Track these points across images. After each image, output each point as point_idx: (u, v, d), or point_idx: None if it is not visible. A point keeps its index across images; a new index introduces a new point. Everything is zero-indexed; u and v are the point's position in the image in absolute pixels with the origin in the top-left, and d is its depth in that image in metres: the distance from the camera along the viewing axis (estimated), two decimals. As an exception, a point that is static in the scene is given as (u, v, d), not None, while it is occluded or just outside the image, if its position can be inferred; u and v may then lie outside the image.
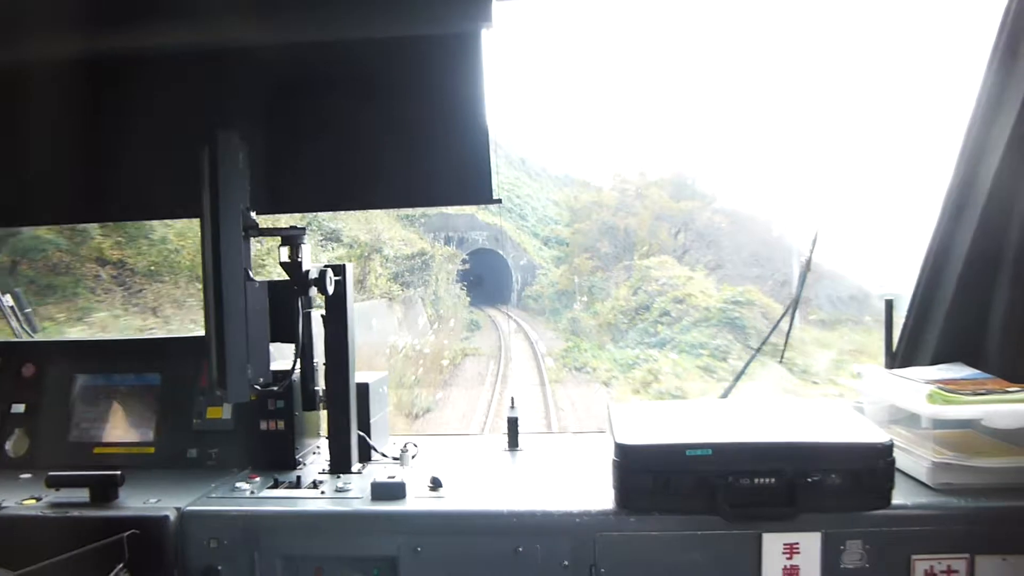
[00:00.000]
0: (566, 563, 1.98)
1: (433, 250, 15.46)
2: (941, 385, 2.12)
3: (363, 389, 2.45)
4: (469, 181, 2.26)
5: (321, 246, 12.13)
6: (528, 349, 13.39)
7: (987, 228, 2.40)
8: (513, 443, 2.57)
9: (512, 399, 2.71)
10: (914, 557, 1.95)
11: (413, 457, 2.43)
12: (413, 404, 9.87)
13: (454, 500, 2.10)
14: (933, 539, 1.95)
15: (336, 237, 12.80)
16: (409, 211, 14.67)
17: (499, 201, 2.25)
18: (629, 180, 21.62)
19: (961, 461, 2.05)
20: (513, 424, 2.57)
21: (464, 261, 17.67)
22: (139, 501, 2.12)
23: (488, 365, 12.17)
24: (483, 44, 2.22)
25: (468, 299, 16.22)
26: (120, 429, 2.52)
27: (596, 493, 2.06)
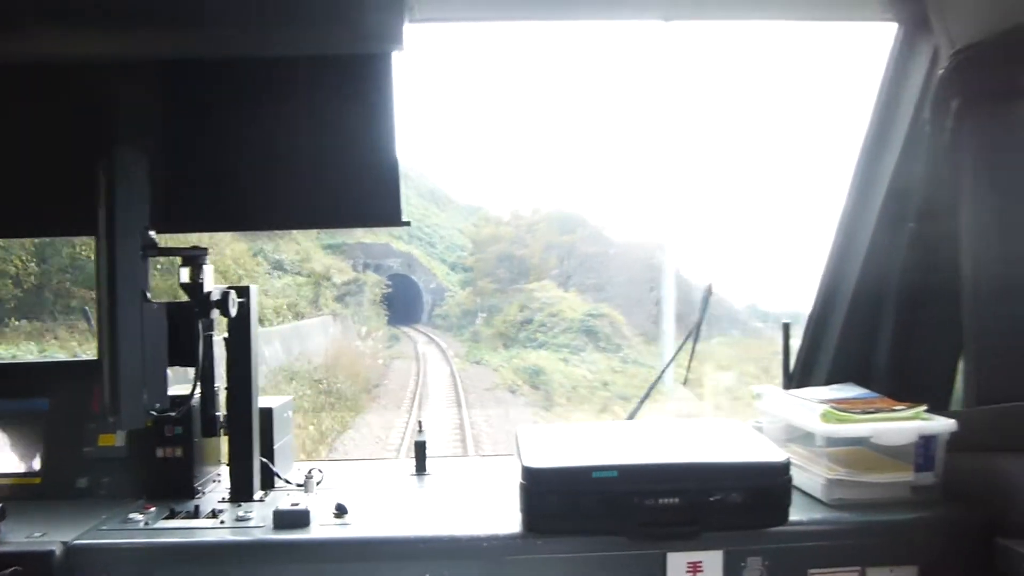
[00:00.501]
0: None
1: (364, 277, 19.14)
2: (834, 404, 2.20)
3: (266, 414, 2.38)
4: (377, 203, 2.24)
5: (268, 274, 14.74)
6: (439, 352, 18.08)
7: (874, 258, 2.54)
8: (421, 467, 2.54)
9: (420, 423, 2.69)
10: (811, 571, 2.01)
11: (318, 483, 2.37)
12: (368, 380, 13.93)
13: (360, 527, 2.05)
14: (828, 553, 2.03)
15: (281, 267, 15.79)
16: (331, 240, 17.02)
17: (407, 224, 2.23)
18: (523, 216, 26.00)
19: (852, 477, 2.14)
20: (421, 448, 2.55)
21: (387, 285, 20.25)
22: (22, 535, 1.99)
23: (411, 365, 16.49)
24: (393, 67, 2.21)
25: (386, 319, 18.88)
26: (2, 458, 2.37)
27: (504, 516, 2.06)
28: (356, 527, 2.05)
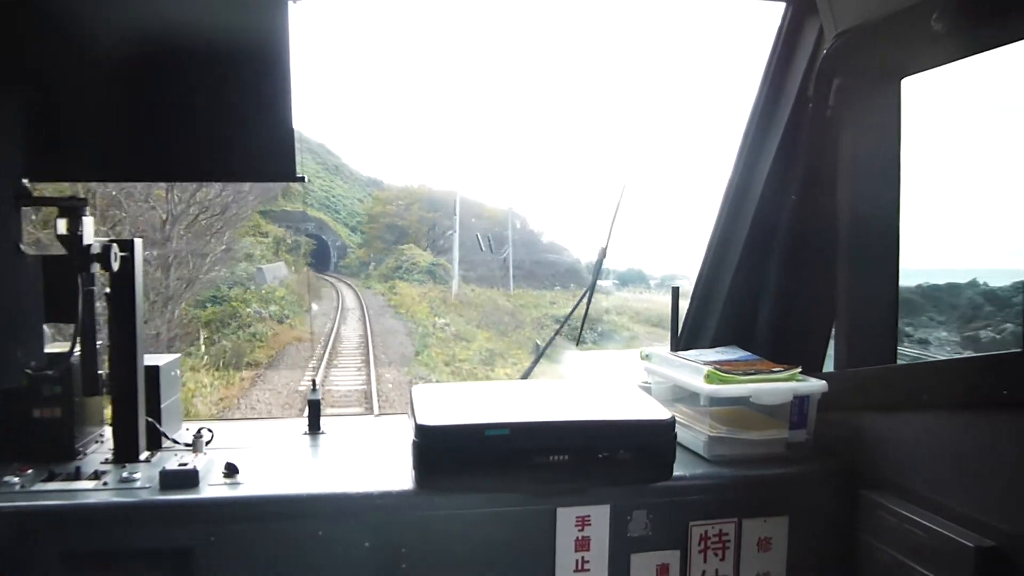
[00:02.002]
0: (367, 544, 1.97)
1: (301, 238, 25.47)
2: (717, 366, 2.31)
3: (152, 372, 2.30)
4: (271, 158, 2.17)
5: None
6: (345, 286, 26.24)
7: (758, 228, 2.66)
8: (315, 426, 2.52)
9: (313, 382, 2.66)
10: (691, 523, 2.12)
11: (208, 443, 2.31)
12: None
13: (251, 486, 2.02)
14: (708, 506, 2.14)
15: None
16: (261, 207, 19.53)
17: (302, 179, 2.17)
18: (402, 198, 35.35)
19: (732, 435, 2.26)
20: (315, 407, 2.52)
21: (313, 244, 28.26)
22: None
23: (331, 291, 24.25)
24: (289, 17, 2.14)
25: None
26: None
27: (398, 474, 2.07)
28: (247, 487, 2.02)
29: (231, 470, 2.07)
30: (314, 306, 20.02)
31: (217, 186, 13.05)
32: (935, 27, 1.87)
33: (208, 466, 2.09)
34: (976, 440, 1.88)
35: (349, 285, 27.05)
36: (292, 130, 2.14)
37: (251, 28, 2.12)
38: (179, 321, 12.62)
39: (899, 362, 2.47)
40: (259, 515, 1.97)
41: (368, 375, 12.77)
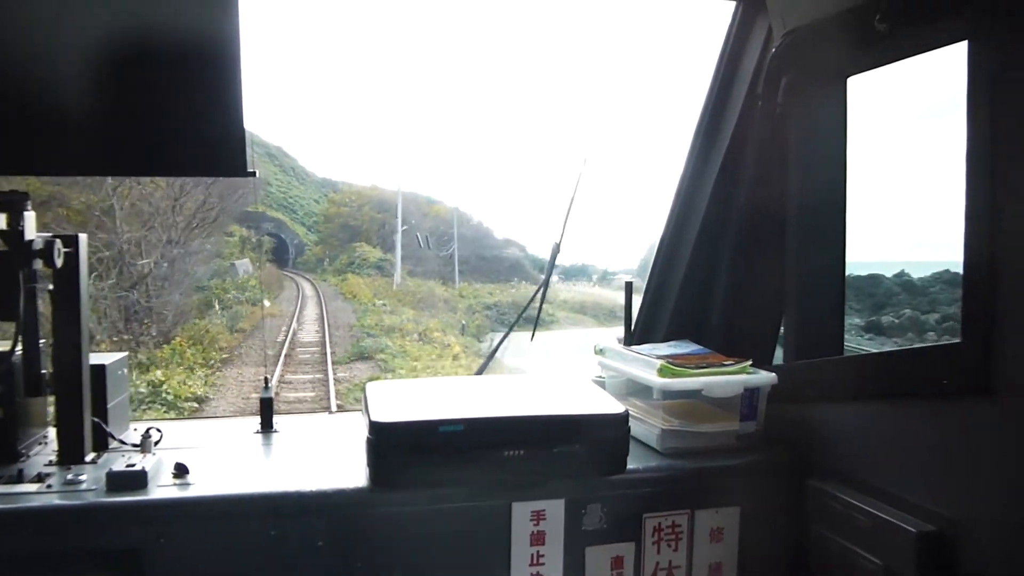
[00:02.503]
0: (321, 544, 1.96)
1: (263, 238, 31.19)
2: (670, 360, 2.34)
3: (99, 371, 2.25)
4: (222, 152, 2.13)
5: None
6: (304, 280, 31.10)
7: (709, 224, 2.69)
8: (267, 425, 2.49)
9: (266, 379, 2.62)
10: (645, 515, 2.15)
11: (156, 444, 2.27)
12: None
13: (202, 486, 1.99)
14: (661, 498, 2.16)
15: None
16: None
17: (253, 174, 2.13)
18: (354, 200, 40.70)
19: (685, 427, 2.29)
20: (267, 405, 2.49)
21: (273, 242, 33.70)
22: None
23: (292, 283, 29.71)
24: (239, 11, 2.09)
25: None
26: None
27: (352, 472, 2.06)
28: (197, 487, 1.98)
29: (181, 470, 2.03)
30: (282, 293, 26.64)
31: (201, 195, 18.16)
32: (879, 28, 1.91)
33: (157, 466, 2.05)
34: (918, 429, 1.94)
35: (307, 279, 31.80)
36: (243, 126, 2.10)
37: (201, 23, 2.08)
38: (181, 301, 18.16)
39: (846, 354, 2.52)
40: (210, 515, 1.94)
41: (325, 367, 15.50)
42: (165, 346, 15.85)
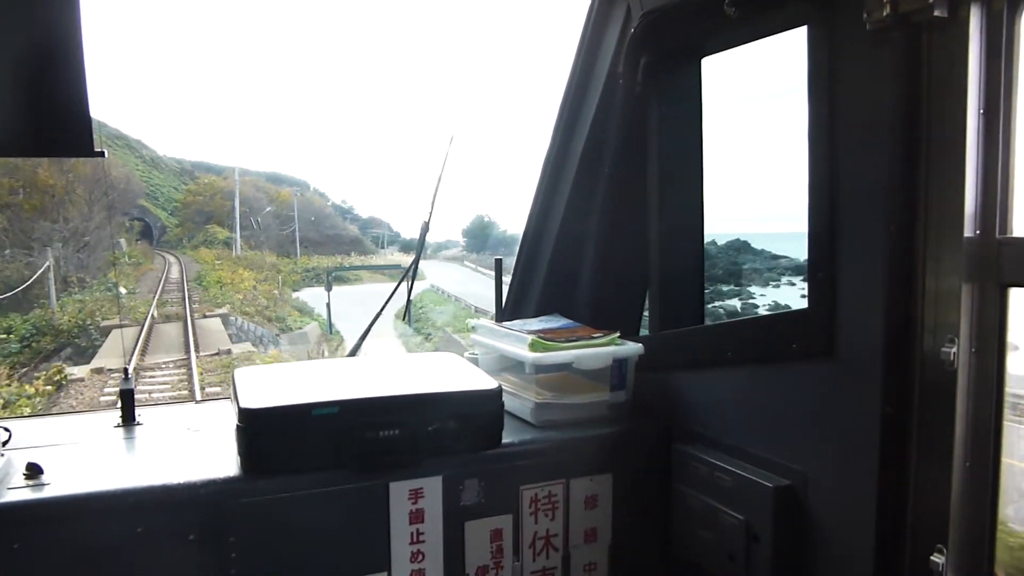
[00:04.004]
0: (192, 537, 1.89)
1: (134, 223, 46.11)
2: (541, 334, 2.38)
3: None
4: (66, 131, 2.00)
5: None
6: (169, 254, 43.80)
7: (576, 200, 2.75)
8: (129, 418, 2.37)
9: (125, 370, 2.50)
10: (522, 487, 2.19)
11: (5, 444, 2.12)
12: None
13: (58, 486, 1.87)
14: (537, 469, 2.21)
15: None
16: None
17: (101, 154, 2.02)
18: (207, 191, 52.01)
19: (557, 400, 2.34)
20: (128, 397, 2.37)
21: (141, 225, 47.94)
22: None
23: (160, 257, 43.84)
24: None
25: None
26: None
27: (223, 461, 2.00)
28: (53, 487, 1.86)
29: (34, 471, 1.91)
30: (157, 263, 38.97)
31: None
32: (728, 12, 2.00)
33: (6, 468, 1.92)
34: (772, 391, 2.07)
35: (172, 253, 44.08)
36: (88, 109, 1.98)
37: (43, 6, 1.94)
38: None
39: (706, 323, 2.65)
40: (69, 516, 1.83)
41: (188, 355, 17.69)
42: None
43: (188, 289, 29.55)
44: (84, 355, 19.42)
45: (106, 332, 21.48)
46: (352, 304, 23.11)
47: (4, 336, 21.05)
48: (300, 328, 27.69)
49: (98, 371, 16.26)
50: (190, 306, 26.05)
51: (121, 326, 22.03)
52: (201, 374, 15.64)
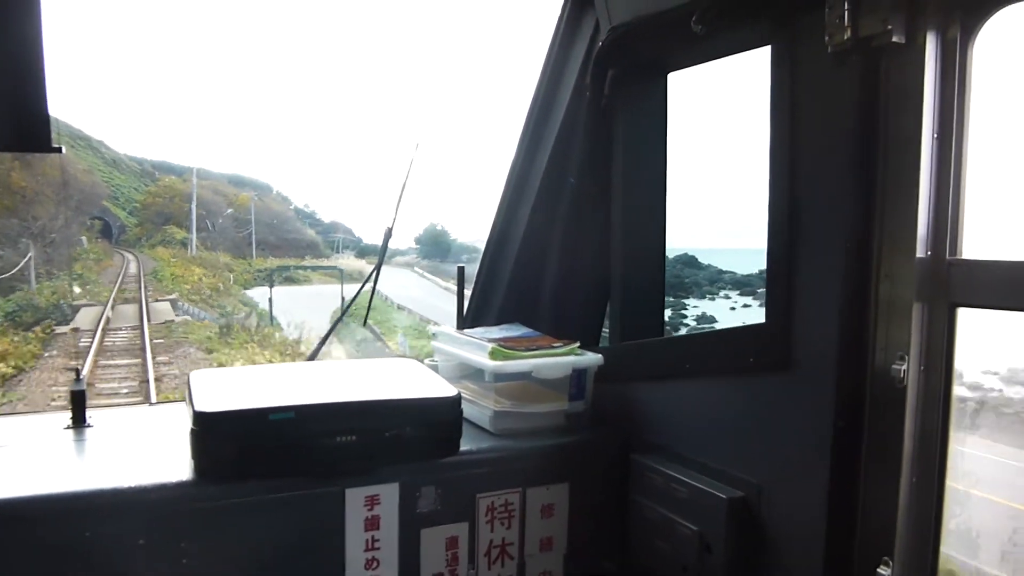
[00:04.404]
0: (143, 542, 1.85)
1: (93, 221, 49.34)
2: (501, 343, 2.39)
3: None
4: (23, 126, 1.96)
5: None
6: (128, 252, 47.39)
7: (540, 210, 2.76)
8: (79, 419, 2.32)
9: (77, 371, 2.45)
10: (478, 495, 2.19)
11: (-53, 445, 2.07)
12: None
13: (4, 489, 1.81)
14: (494, 478, 2.21)
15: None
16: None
17: (59, 150, 1.98)
18: (166, 193, 55.53)
19: (516, 408, 2.35)
20: (79, 398, 2.32)
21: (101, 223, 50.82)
22: None
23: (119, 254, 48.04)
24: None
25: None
26: None
27: (175, 465, 1.96)
28: None
29: None
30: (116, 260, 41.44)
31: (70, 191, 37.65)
32: (695, 29, 2.03)
33: None
34: (729, 403, 2.09)
35: (131, 252, 46.76)
36: (46, 105, 1.95)
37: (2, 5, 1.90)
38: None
39: (665, 335, 2.68)
40: (12, 520, 1.78)
41: (143, 354, 20.19)
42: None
43: (144, 281, 36.02)
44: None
45: (76, 309, 27.98)
46: (294, 300, 33.34)
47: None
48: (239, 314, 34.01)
49: (75, 330, 24.04)
50: (145, 293, 32.64)
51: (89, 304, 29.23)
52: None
